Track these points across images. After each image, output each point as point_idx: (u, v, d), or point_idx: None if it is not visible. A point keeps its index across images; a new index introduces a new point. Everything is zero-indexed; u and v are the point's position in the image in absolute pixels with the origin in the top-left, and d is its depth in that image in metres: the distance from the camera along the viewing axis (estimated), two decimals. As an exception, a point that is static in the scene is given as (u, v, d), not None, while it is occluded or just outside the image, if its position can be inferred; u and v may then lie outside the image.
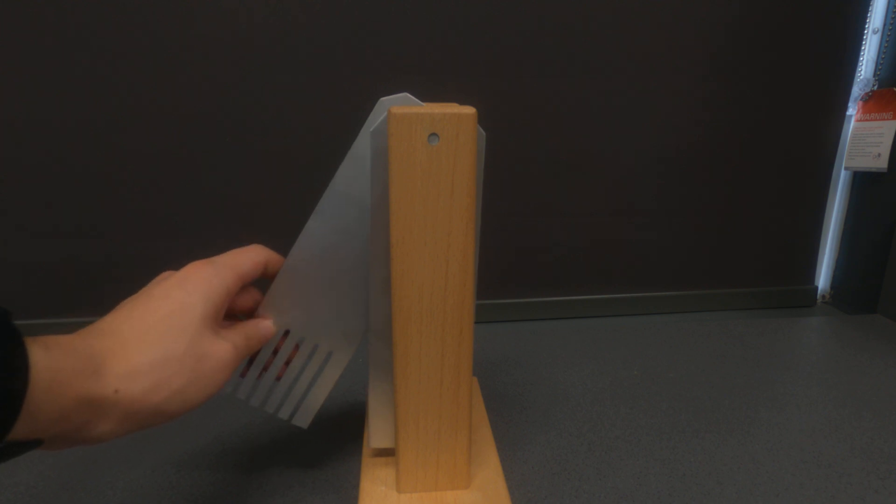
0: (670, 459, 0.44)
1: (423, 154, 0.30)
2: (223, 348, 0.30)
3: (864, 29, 0.70)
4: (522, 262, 0.73)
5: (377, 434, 0.39)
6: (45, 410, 0.22)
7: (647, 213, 0.73)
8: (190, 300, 0.30)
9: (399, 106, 0.30)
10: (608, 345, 0.64)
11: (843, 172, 0.76)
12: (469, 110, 0.29)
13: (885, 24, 0.69)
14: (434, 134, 0.29)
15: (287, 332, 0.38)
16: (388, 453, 0.40)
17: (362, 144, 0.35)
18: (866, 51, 0.71)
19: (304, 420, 0.39)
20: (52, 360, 0.23)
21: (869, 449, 0.45)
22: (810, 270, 0.80)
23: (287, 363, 0.38)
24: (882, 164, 0.70)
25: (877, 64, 0.71)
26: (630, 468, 0.43)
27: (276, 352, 0.38)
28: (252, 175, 0.65)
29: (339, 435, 0.46)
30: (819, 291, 0.81)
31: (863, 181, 0.75)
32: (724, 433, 0.47)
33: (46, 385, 0.22)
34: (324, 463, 0.43)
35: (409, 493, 0.36)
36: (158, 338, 0.28)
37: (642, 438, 0.46)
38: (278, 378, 0.38)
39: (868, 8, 0.69)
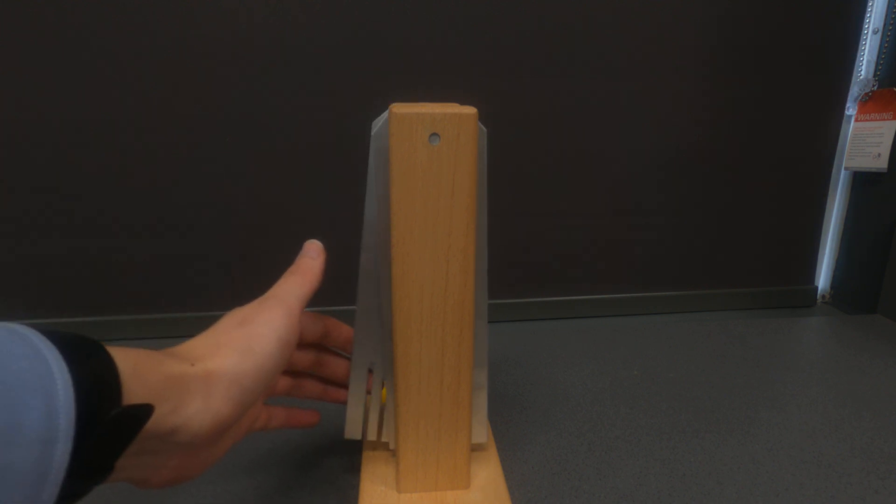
0: (670, 459, 0.44)
1: (423, 154, 0.30)
2: (275, 303, 0.31)
3: (863, 29, 0.70)
4: (522, 262, 0.73)
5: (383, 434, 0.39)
6: (136, 390, 0.22)
7: (647, 213, 0.73)
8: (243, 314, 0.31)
9: (400, 104, 0.30)
10: (608, 345, 0.64)
11: (843, 172, 0.76)
12: (470, 110, 0.29)
13: (885, 24, 0.69)
14: (435, 134, 0.29)
15: (387, 368, 0.37)
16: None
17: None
18: (866, 51, 0.71)
19: None
20: (128, 353, 0.23)
21: (869, 449, 0.45)
22: (810, 270, 0.80)
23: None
24: (882, 164, 0.70)
25: (877, 64, 0.71)
26: (630, 468, 0.43)
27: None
28: (252, 175, 0.65)
29: (339, 435, 0.46)
30: (819, 291, 0.81)
31: (863, 181, 0.75)
32: (724, 433, 0.47)
33: (131, 370, 0.22)
34: (324, 463, 0.43)
35: (409, 493, 0.36)
36: (214, 328, 0.29)
37: (642, 438, 0.46)
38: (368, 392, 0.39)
39: (868, 8, 0.69)
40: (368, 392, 0.38)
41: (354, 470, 0.41)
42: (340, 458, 0.44)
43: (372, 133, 0.32)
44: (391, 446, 0.39)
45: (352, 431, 0.39)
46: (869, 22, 0.70)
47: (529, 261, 0.73)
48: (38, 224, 0.64)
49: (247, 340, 0.28)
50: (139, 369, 0.23)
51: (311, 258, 0.35)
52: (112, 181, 0.63)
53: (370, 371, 0.38)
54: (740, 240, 0.76)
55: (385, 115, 0.31)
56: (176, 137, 0.63)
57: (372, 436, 0.39)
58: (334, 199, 0.66)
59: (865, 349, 0.63)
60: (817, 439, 0.46)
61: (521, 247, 0.72)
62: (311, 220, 0.67)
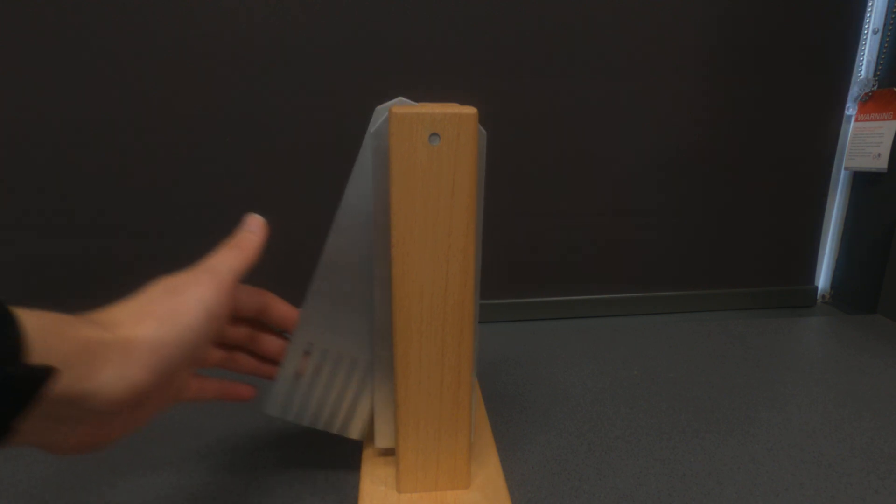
0: (670, 459, 0.44)
1: (423, 154, 0.30)
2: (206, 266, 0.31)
3: (863, 29, 0.70)
4: (522, 262, 0.73)
5: (382, 434, 0.39)
6: (43, 352, 0.22)
7: (648, 213, 0.73)
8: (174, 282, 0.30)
9: (400, 105, 0.30)
10: (608, 345, 0.64)
11: (843, 172, 0.76)
12: (470, 110, 0.29)
13: (885, 25, 0.69)
14: (435, 134, 0.29)
15: (326, 351, 0.38)
16: (391, 453, 0.40)
17: (366, 156, 0.35)
18: (866, 51, 0.71)
19: (356, 432, 0.40)
20: (39, 315, 0.22)
21: (869, 449, 0.45)
22: (810, 270, 0.80)
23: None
24: (882, 164, 0.70)
25: (877, 64, 0.71)
26: (630, 468, 0.43)
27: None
28: (252, 175, 0.65)
29: (339, 435, 0.46)
30: (819, 291, 0.81)
31: (863, 181, 0.75)
32: (724, 433, 0.47)
33: (38, 332, 0.22)
34: (324, 463, 0.43)
35: (410, 493, 0.36)
36: (139, 296, 0.29)
37: (642, 438, 0.46)
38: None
39: (868, 8, 0.69)
40: (301, 374, 0.38)
41: (354, 470, 0.41)
42: (340, 457, 0.44)
43: (371, 130, 0.32)
44: (378, 444, 0.39)
45: (271, 408, 0.38)
46: (869, 22, 0.70)
47: (529, 261, 0.73)
48: (38, 224, 0.64)
49: (172, 310, 0.28)
50: (48, 332, 0.22)
51: (251, 232, 0.35)
52: (112, 181, 0.63)
53: (307, 353, 0.38)
54: (740, 240, 0.76)
55: (389, 104, 0.31)
56: (176, 137, 0.63)
57: (303, 420, 0.39)
58: (334, 199, 0.66)
59: (865, 349, 0.63)
60: (817, 439, 0.46)
61: (521, 247, 0.72)
62: (311, 220, 0.67)
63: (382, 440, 0.39)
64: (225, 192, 0.65)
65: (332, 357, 0.38)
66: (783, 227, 0.77)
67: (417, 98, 0.33)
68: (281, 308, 0.38)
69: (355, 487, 0.38)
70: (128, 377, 0.25)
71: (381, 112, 0.33)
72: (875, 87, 0.71)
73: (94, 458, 0.43)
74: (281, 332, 0.39)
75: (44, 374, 0.22)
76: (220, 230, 0.38)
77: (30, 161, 0.61)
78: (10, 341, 0.20)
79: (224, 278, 0.31)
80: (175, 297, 0.29)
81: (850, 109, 0.73)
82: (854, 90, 0.72)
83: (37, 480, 0.41)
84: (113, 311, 0.27)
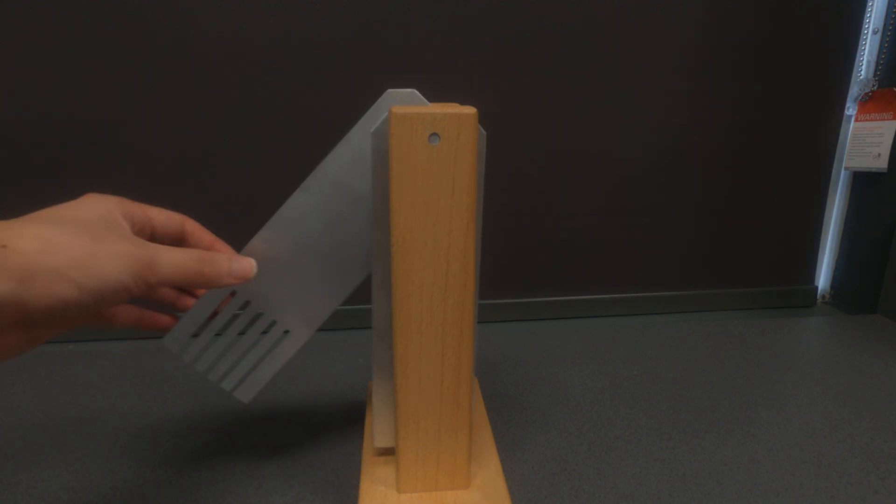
0: (670, 459, 0.44)
1: (423, 154, 0.30)
2: (127, 237, 0.29)
3: (863, 29, 0.70)
4: (522, 262, 0.73)
5: (381, 433, 0.39)
6: None
7: (647, 214, 0.73)
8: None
9: (400, 106, 0.30)
10: (608, 345, 0.64)
11: (843, 172, 0.76)
12: (470, 110, 0.29)
13: (884, 25, 0.69)
14: (435, 134, 0.29)
15: (247, 303, 0.37)
16: (390, 452, 0.40)
17: (359, 133, 0.35)
18: (866, 51, 0.71)
19: (246, 394, 0.39)
20: None
21: (869, 449, 0.45)
22: (810, 270, 0.80)
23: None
24: (882, 164, 0.70)
25: (877, 64, 0.71)
26: (630, 468, 0.43)
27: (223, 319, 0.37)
28: (251, 175, 0.65)
29: (339, 435, 0.46)
30: (819, 291, 0.81)
31: (863, 181, 0.75)
32: (724, 433, 0.47)
33: None
34: (324, 463, 0.43)
35: (409, 492, 0.36)
36: (45, 217, 0.27)
37: (642, 438, 0.46)
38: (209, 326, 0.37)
39: (868, 8, 0.69)
40: (217, 313, 0.37)
41: (354, 470, 0.41)
42: (340, 457, 0.44)
43: (371, 130, 0.32)
44: (376, 444, 0.39)
45: (171, 342, 0.37)
46: (869, 22, 0.70)
47: (529, 261, 0.73)
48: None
49: (86, 261, 0.26)
50: None
51: (231, 273, 0.32)
52: (112, 181, 0.63)
53: (232, 294, 0.37)
54: (740, 240, 0.76)
55: (402, 91, 0.32)
56: (176, 137, 0.63)
57: (197, 366, 0.38)
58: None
59: (865, 349, 0.63)
60: (817, 439, 0.46)
61: (520, 246, 0.72)
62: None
63: (382, 440, 0.39)
64: (225, 192, 0.65)
65: (251, 312, 0.37)
66: (783, 228, 0.77)
67: (417, 98, 0.33)
68: (203, 237, 0.36)
69: (355, 487, 0.38)
70: (22, 294, 0.23)
71: (391, 95, 0.33)
72: (875, 87, 0.71)
73: (93, 457, 0.43)
74: None
75: None
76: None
77: (30, 161, 0.61)
78: None
79: (157, 270, 0.29)
80: (96, 248, 0.26)
81: (850, 109, 0.73)
82: (854, 90, 0.72)
83: (35, 479, 0.41)
84: (21, 223, 0.26)
